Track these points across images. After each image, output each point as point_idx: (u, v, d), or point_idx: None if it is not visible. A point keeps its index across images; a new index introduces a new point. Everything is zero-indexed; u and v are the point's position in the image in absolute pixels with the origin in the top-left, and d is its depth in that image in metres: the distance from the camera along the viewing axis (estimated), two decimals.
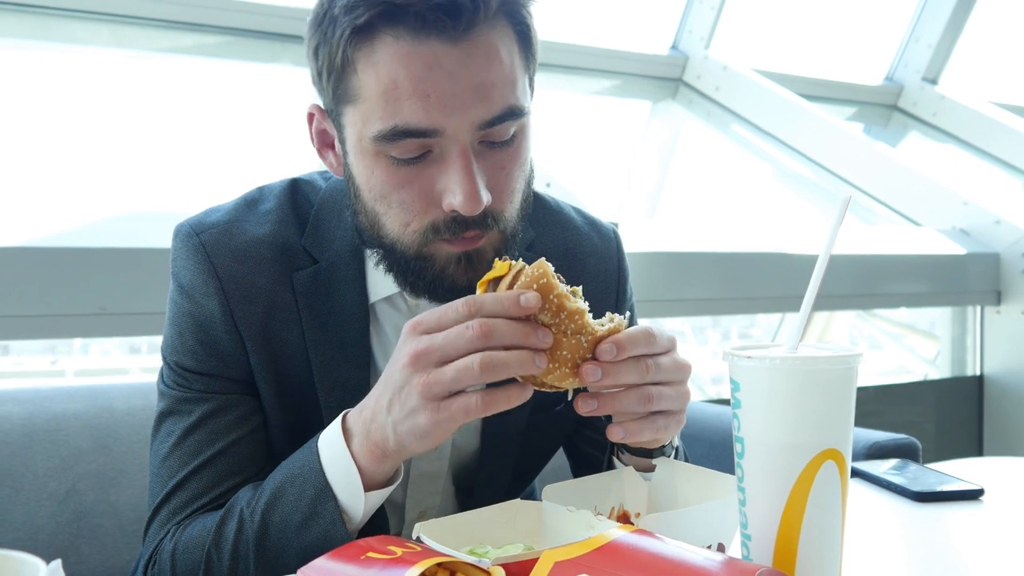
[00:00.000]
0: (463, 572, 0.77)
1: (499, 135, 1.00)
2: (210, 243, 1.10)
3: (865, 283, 3.00)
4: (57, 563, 0.63)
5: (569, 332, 0.89)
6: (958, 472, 1.34)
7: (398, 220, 1.01)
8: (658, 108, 4.01)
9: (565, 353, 0.89)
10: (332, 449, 0.97)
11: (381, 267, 1.08)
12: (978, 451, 3.23)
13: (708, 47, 3.88)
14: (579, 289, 0.94)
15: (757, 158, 3.88)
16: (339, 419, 0.99)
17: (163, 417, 1.11)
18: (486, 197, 0.98)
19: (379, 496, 0.98)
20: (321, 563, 0.78)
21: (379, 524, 1.05)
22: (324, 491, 0.96)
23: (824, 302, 2.92)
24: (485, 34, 0.96)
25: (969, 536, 1.15)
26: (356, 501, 0.96)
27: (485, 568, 0.76)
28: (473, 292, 0.93)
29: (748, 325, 3.75)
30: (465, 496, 1.22)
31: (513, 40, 1.00)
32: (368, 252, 1.11)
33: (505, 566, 0.76)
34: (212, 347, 1.09)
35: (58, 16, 2.74)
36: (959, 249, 3.18)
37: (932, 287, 3.16)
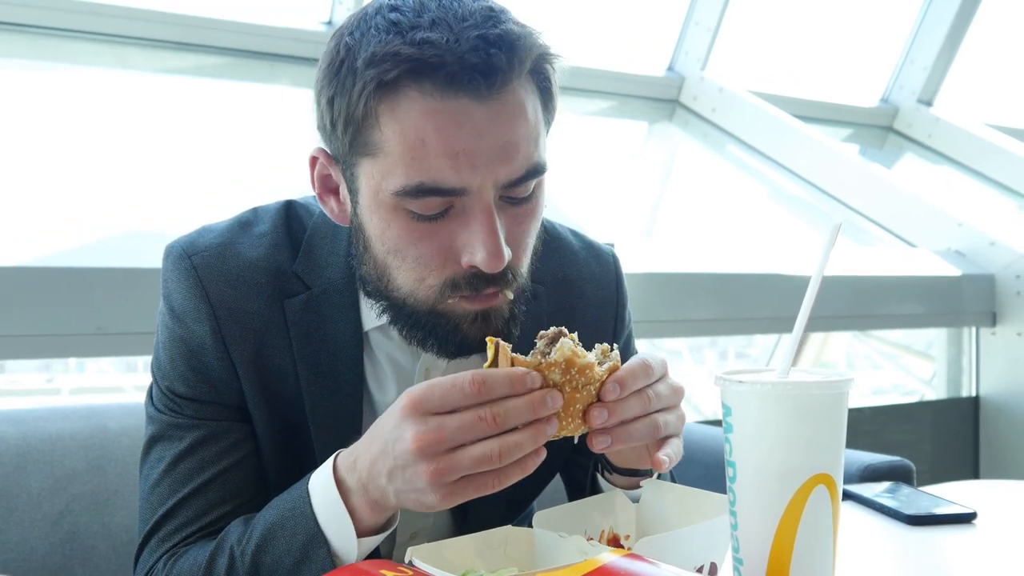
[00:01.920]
0: None
1: (520, 192, 0.98)
2: (202, 267, 1.08)
3: (861, 304, 3.00)
4: None
5: (580, 386, 0.89)
6: (952, 495, 1.34)
7: (413, 274, 0.99)
8: (654, 129, 4.03)
9: (577, 407, 0.89)
10: (324, 495, 0.95)
11: (384, 317, 1.06)
12: (974, 472, 3.22)
13: (704, 68, 3.91)
14: (575, 336, 0.92)
15: (753, 179, 3.90)
16: (330, 463, 0.96)
17: (153, 442, 1.10)
18: (508, 254, 0.96)
19: (373, 542, 0.96)
20: None
21: None
22: (315, 537, 0.95)
23: (820, 323, 2.93)
24: (513, 92, 0.95)
25: (961, 560, 1.15)
26: (349, 546, 0.94)
27: None
28: (483, 347, 0.91)
29: (745, 345, 3.75)
30: (459, 519, 1.22)
31: (536, 96, 0.99)
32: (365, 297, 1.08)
33: None
34: (204, 373, 1.08)
35: (61, 37, 2.76)
36: (954, 270, 3.19)
37: (927, 308, 3.16)
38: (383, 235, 0.99)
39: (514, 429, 0.86)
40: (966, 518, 1.25)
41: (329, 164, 1.04)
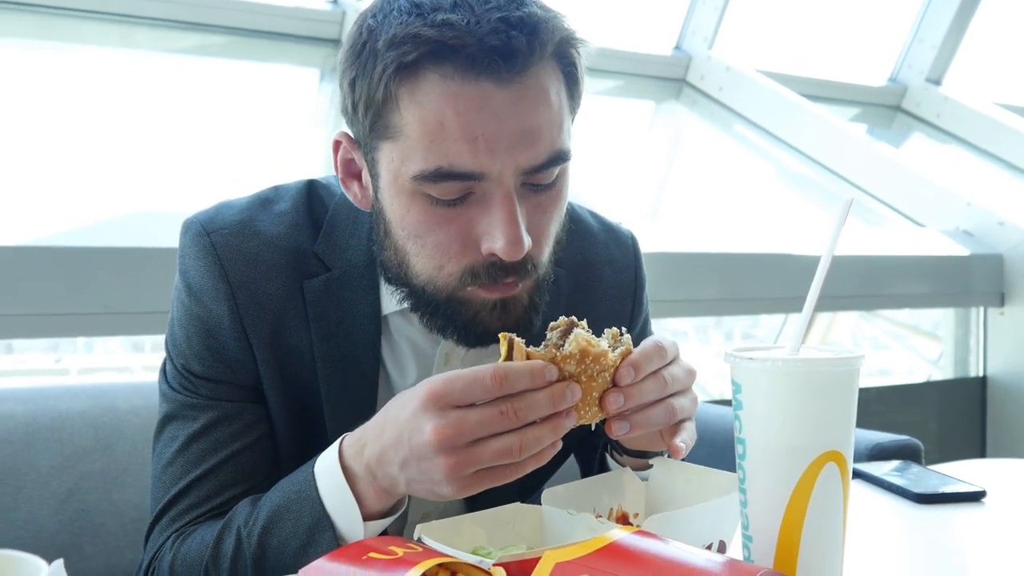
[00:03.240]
0: (464, 573, 0.77)
1: (543, 179, 0.97)
2: (221, 245, 1.06)
3: (868, 284, 3.00)
4: (59, 563, 0.64)
5: (595, 374, 0.88)
6: (960, 474, 1.34)
7: (432, 262, 0.98)
8: (662, 108, 4.02)
9: (593, 395, 0.88)
10: (329, 479, 0.95)
11: (405, 303, 1.05)
12: (981, 452, 3.22)
13: (711, 47, 3.89)
14: (584, 322, 0.91)
15: (760, 158, 3.88)
16: (335, 448, 0.96)
17: (167, 421, 1.09)
18: (528, 242, 0.95)
19: (379, 525, 0.96)
20: (322, 564, 0.78)
21: None
22: (321, 520, 0.94)
23: (827, 303, 2.92)
24: (535, 76, 0.94)
25: (970, 538, 1.15)
26: (356, 530, 0.94)
27: (486, 569, 0.76)
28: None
29: (751, 325, 3.75)
30: (471, 502, 1.21)
31: (561, 81, 0.98)
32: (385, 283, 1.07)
33: (506, 567, 0.76)
34: (220, 353, 1.07)
35: (67, 16, 2.75)
36: (962, 250, 3.18)
37: (935, 288, 3.15)
38: (403, 220, 0.98)
39: (532, 422, 0.86)
40: (975, 496, 1.25)
41: (352, 148, 1.03)
